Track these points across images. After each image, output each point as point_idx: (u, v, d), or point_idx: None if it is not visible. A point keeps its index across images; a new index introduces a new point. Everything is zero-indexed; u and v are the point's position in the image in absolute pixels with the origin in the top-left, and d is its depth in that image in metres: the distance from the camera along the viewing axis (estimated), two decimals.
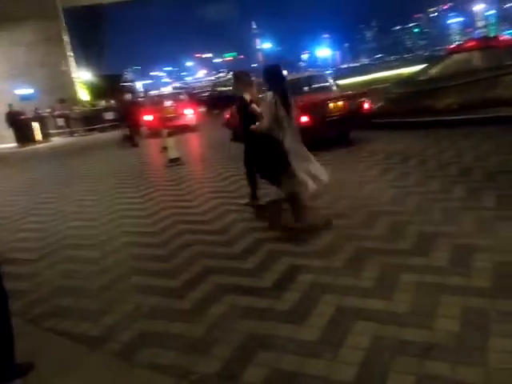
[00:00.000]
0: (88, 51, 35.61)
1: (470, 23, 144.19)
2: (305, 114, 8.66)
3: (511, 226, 4.00)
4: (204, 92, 32.29)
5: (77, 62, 26.51)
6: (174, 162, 9.78)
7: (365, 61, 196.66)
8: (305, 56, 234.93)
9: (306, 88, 10.48)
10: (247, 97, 5.55)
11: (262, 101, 4.83)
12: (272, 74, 4.78)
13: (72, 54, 25.66)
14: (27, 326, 3.46)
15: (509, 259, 3.38)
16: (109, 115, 22.72)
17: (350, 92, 10.86)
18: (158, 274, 4.10)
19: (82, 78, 27.91)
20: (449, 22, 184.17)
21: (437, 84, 10.36)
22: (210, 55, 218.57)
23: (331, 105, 9.15)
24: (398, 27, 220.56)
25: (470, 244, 3.73)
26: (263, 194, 6.01)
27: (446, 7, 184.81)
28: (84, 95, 27.14)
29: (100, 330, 3.21)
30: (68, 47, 25.40)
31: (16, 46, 23.55)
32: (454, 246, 3.74)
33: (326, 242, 4.26)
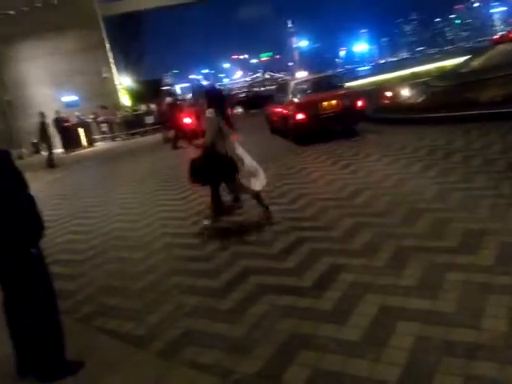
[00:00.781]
0: (128, 57, 36.57)
1: None
2: (301, 112, 10.37)
3: None
4: (241, 93, 32.52)
5: (118, 69, 27.33)
6: None
7: (405, 55, 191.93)
8: (342, 52, 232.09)
9: (307, 88, 11.83)
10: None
11: (205, 118, 5.32)
12: (213, 95, 5.64)
13: (113, 61, 26.47)
14: (76, 325, 3.60)
15: None
16: (149, 119, 23.30)
17: (345, 91, 11.50)
18: (199, 274, 4.16)
19: (123, 84, 28.72)
20: (491, 11, 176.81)
21: (480, 76, 9.99)
22: (246, 56, 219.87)
23: (324, 103, 10.41)
24: (439, 19, 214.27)
25: None
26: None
27: None
28: (125, 100, 27.93)
29: (145, 329, 3.30)
30: (109, 54, 26.22)
31: (59, 55, 24.57)
32: (502, 243, 3.58)
33: (365, 240, 4.20)
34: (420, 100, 10.94)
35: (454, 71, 12.47)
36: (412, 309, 2.90)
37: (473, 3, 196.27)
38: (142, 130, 23.35)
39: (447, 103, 10.01)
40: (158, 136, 19.11)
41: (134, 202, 7.72)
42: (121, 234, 6.02)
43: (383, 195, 5.51)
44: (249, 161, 5.24)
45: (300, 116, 10.42)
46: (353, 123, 10.98)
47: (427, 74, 22.85)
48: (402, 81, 20.12)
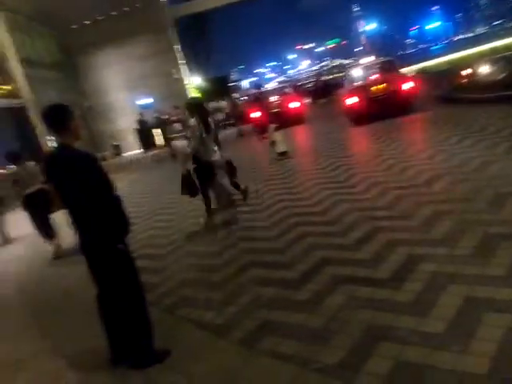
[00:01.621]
0: (197, 56, 37.60)
1: None
2: (352, 96, 11.94)
3: None
4: (308, 83, 32.12)
5: (187, 68, 28.17)
6: (283, 155, 9.94)
7: (481, 30, 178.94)
8: (413, 32, 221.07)
9: (362, 74, 13.39)
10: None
11: (189, 127, 6.03)
12: (195, 106, 6.18)
13: (183, 62, 27.34)
14: (161, 316, 3.81)
15: None
16: (219, 116, 23.80)
17: (397, 75, 12.50)
18: (275, 266, 4.21)
19: (193, 83, 29.56)
20: None
21: None
22: (312, 45, 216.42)
23: (374, 88, 11.70)
24: None
25: None
26: None
27: None
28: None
29: (224, 319, 3.42)
30: (179, 55, 27.11)
31: (132, 61, 25.84)
32: None
33: (446, 228, 4.00)
34: (501, 77, 10.14)
35: None
36: (501, 299, 2.72)
37: None
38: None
39: None
40: (229, 132, 19.50)
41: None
42: (197, 228, 6.25)
43: (465, 180, 5.21)
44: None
45: (351, 100, 11.94)
46: (404, 106, 11.59)
47: (507, 48, 21.14)
48: (480, 57, 18.76)
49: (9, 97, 17.38)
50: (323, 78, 37.89)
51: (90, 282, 3.09)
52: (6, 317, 4.81)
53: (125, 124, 25.32)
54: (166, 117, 24.32)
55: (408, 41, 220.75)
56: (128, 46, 25.78)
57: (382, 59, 15.20)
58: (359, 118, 11.88)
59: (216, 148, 6.14)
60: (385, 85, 11.64)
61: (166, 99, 25.41)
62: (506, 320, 2.51)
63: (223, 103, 25.51)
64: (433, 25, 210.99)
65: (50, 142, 17.80)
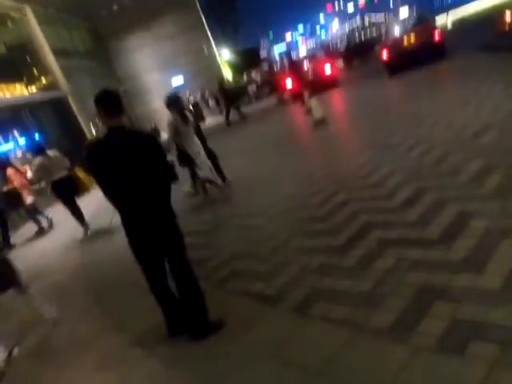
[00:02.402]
0: (225, 30, 37.14)
1: None
2: (384, 49, 13.30)
3: None
4: (341, 45, 31.17)
5: (216, 43, 27.90)
6: (320, 122, 9.76)
7: None
8: None
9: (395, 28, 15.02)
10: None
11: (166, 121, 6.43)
12: (171, 100, 6.54)
13: (211, 37, 27.08)
14: (213, 289, 3.91)
15: None
16: (252, 88, 23.60)
17: (426, 27, 13.62)
18: (320, 233, 4.20)
19: (224, 58, 29.33)
20: None
21: None
22: (341, 5, 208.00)
23: (405, 40, 12.89)
24: None
25: None
26: None
27: None
28: (227, 73, 28.59)
29: (274, 289, 3.46)
30: (207, 31, 26.85)
31: (162, 41, 25.87)
32: None
33: (498, 182, 3.82)
34: None
35: None
36: None
37: None
38: (246, 99, 23.78)
39: None
40: (263, 103, 19.33)
41: (249, 169, 7.97)
42: (240, 202, 6.30)
43: None
44: (203, 154, 6.67)
45: (387, 54, 13.27)
46: (434, 55, 12.53)
47: None
48: None
49: (48, 89, 17.91)
50: (356, 39, 36.56)
51: (130, 260, 3.18)
52: (69, 298, 5.07)
53: (160, 104, 25.60)
54: (199, 94, 24.42)
55: None
56: (157, 27, 25.79)
57: (414, 13, 15.32)
58: (396, 68, 12.93)
59: (195, 139, 6.59)
60: (417, 36, 12.86)
61: (197, 76, 25.43)
62: None
63: (254, 74, 25.23)
64: None
65: (95, 129, 18.32)
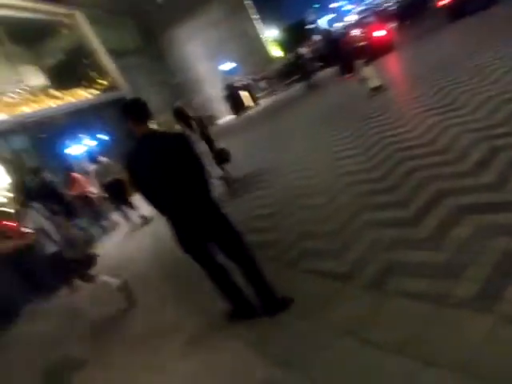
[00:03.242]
0: (268, 7, 36.54)
1: None
2: None
3: None
4: (391, 5, 29.64)
5: (262, 23, 27.55)
6: (377, 90, 9.41)
7: None
8: None
9: None
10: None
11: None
12: (175, 112, 6.95)
13: (257, 17, 26.79)
14: (284, 270, 3.96)
15: None
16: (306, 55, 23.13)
17: None
18: (387, 206, 4.10)
19: (271, 36, 28.94)
20: None
21: None
22: None
23: None
24: None
25: None
26: None
27: None
28: (276, 52, 28.24)
29: (346, 266, 3.44)
30: (252, 12, 26.59)
31: (208, 29, 25.97)
32: None
33: None
34: None
35: None
36: None
37: None
38: (296, 76, 23.39)
39: None
40: (315, 78, 18.94)
41: (305, 149, 7.90)
42: (301, 182, 6.27)
43: None
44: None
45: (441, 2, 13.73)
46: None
47: None
48: None
49: (108, 90, 18.68)
50: None
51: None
52: (149, 287, 5.36)
53: (213, 93, 25.86)
54: (250, 77, 24.38)
55: None
56: (202, 16, 25.92)
57: None
58: (457, 13, 13.09)
59: (200, 144, 6.77)
60: None
61: (247, 59, 25.36)
62: None
63: (303, 50, 24.70)
64: None
65: (154, 126, 18.93)
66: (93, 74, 19.50)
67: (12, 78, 14.55)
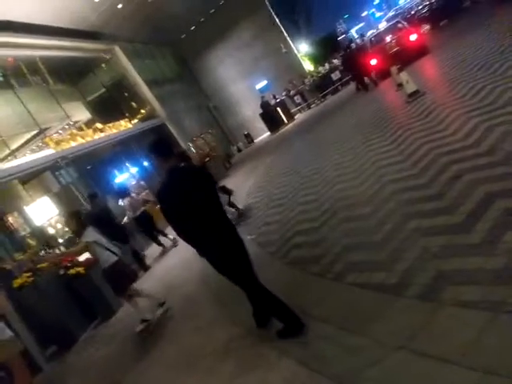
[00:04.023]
0: (298, 22, 36.78)
1: None
2: None
3: None
4: (422, 8, 29.16)
5: (292, 39, 27.74)
6: (414, 95, 9.24)
7: None
8: None
9: None
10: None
11: None
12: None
13: (286, 34, 27.03)
14: (331, 285, 3.92)
15: None
16: (335, 75, 23.12)
17: None
18: (435, 213, 3.99)
19: (302, 51, 29.08)
20: None
21: None
22: None
23: None
24: None
25: None
26: None
27: None
28: (308, 66, 28.31)
29: (397, 277, 3.36)
30: (282, 29, 26.88)
31: (241, 49, 26.40)
32: None
33: None
34: None
35: None
36: None
37: None
38: (331, 88, 23.36)
39: None
40: (348, 89, 18.85)
41: (346, 160, 7.83)
42: (345, 194, 6.21)
43: None
44: None
45: None
46: None
47: None
48: None
49: (148, 119, 19.33)
50: None
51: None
52: (199, 307, 5.43)
53: (249, 112, 26.15)
54: (284, 93, 24.52)
55: None
56: (233, 36, 26.42)
57: None
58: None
59: None
60: None
61: (280, 76, 25.52)
62: None
63: (335, 61, 24.67)
64: None
65: (193, 147, 19.39)
66: (132, 104, 20.26)
67: (58, 114, 15.35)
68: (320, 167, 8.64)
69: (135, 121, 18.74)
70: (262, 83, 26.78)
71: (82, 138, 13.87)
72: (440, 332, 2.55)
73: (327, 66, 25.03)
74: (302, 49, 29.35)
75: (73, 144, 13.10)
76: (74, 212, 6.25)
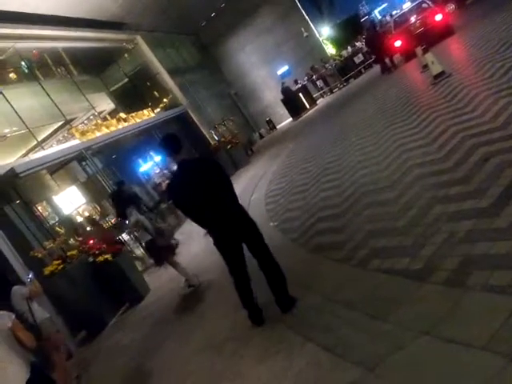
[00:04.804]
0: (319, 5, 36.09)
1: None
2: None
3: None
4: None
5: (314, 22, 27.25)
6: (440, 77, 9.00)
7: None
8: None
9: None
10: None
11: None
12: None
13: (308, 18, 26.58)
14: (355, 271, 3.90)
15: None
16: (358, 58, 22.69)
17: None
18: (460, 197, 3.90)
19: (324, 34, 28.58)
20: None
21: None
22: None
23: None
24: None
25: None
26: None
27: None
28: (330, 49, 27.84)
29: (422, 263, 3.31)
30: (303, 13, 26.44)
31: (261, 35, 26.12)
32: None
33: None
34: None
35: None
36: None
37: None
38: (354, 72, 22.95)
39: None
40: (372, 71, 18.48)
41: (370, 145, 7.71)
42: (368, 179, 6.13)
43: None
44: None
45: None
46: None
47: None
48: None
49: (170, 107, 19.42)
50: None
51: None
52: (223, 294, 5.49)
53: (270, 98, 25.96)
54: (306, 78, 24.23)
55: None
56: (253, 22, 26.14)
57: None
58: None
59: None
60: None
61: (302, 61, 25.22)
62: None
63: (358, 44, 24.20)
64: None
65: (215, 136, 19.46)
66: (155, 93, 20.38)
67: (83, 105, 15.59)
68: (343, 152, 8.54)
69: (158, 110, 18.86)
70: (284, 68, 26.50)
71: (107, 128, 14.06)
72: (466, 318, 2.51)
73: (350, 49, 24.57)
74: (324, 32, 28.81)
75: (98, 134, 13.29)
76: (111, 197, 7.33)
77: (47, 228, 10.33)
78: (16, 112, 10.98)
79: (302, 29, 25.64)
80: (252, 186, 11.05)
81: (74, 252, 7.80)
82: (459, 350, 2.31)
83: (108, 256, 7.75)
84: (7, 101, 10.91)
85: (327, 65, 24.17)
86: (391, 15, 24.51)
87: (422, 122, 6.99)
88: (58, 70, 16.12)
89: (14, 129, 12.16)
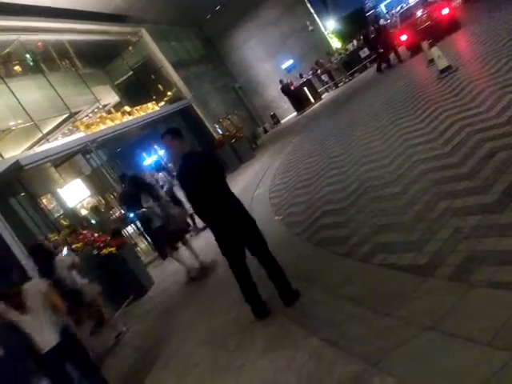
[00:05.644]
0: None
1: None
2: None
3: None
4: None
5: (319, 15, 27.06)
6: (446, 71, 8.94)
7: None
8: None
9: None
10: None
11: None
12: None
13: (312, 11, 26.40)
14: (358, 265, 3.90)
15: None
16: (364, 52, 22.52)
17: None
18: (466, 192, 3.89)
19: (329, 28, 28.36)
20: None
21: None
22: None
23: None
24: None
25: None
26: None
27: None
28: (335, 43, 27.65)
29: (426, 258, 3.31)
30: (307, 5, 26.26)
31: (266, 28, 25.97)
32: None
33: None
34: None
35: None
36: None
37: None
38: (359, 66, 22.79)
39: None
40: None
41: (375, 139, 7.68)
42: (373, 174, 6.11)
43: None
44: None
45: None
46: None
47: None
48: None
49: (174, 101, 19.41)
50: None
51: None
52: (228, 288, 5.51)
53: (275, 92, 25.84)
54: (311, 72, 24.11)
55: None
56: (258, 16, 25.99)
57: None
58: None
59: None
60: None
61: (307, 55, 25.08)
62: None
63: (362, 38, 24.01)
64: None
65: (219, 130, 19.44)
66: (159, 86, 20.36)
67: (88, 98, 15.60)
68: (348, 147, 8.52)
69: (162, 103, 18.86)
70: (288, 62, 26.37)
71: (111, 121, 14.08)
72: (470, 313, 2.51)
73: (355, 42, 24.38)
74: (329, 26, 28.58)
75: (102, 127, 13.32)
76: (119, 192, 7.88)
77: (52, 220, 10.38)
78: (21, 105, 11.01)
79: (307, 22, 25.48)
80: (256, 181, 11.06)
81: (79, 244, 7.84)
82: (463, 345, 2.31)
83: (112, 249, 7.79)
84: (12, 93, 10.93)
85: (333, 58, 24.00)
86: (397, 9, 24.32)
87: (427, 116, 6.95)
88: (63, 62, 16.12)
89: (19, 121, 12.19)
